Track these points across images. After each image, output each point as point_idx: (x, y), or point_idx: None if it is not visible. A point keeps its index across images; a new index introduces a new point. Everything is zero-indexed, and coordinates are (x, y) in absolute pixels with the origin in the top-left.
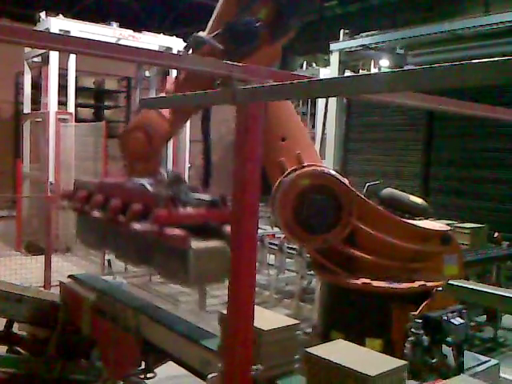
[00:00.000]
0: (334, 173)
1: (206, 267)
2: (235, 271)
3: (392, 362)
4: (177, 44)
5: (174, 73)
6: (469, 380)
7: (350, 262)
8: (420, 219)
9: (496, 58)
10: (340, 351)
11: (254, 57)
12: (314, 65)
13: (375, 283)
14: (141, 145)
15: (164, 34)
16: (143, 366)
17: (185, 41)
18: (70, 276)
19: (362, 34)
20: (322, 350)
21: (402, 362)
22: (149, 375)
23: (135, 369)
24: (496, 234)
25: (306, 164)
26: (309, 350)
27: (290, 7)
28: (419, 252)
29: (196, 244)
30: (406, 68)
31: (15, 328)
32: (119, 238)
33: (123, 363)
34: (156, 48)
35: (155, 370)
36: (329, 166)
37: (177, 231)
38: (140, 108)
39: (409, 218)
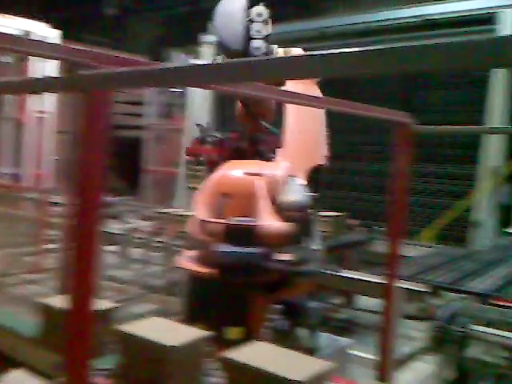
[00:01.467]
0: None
1: None
2: (75, 268)
3: (195, 334)
4: (38, 28)
5: (33, 59)
6: (264, 345)
7: None
8: None
9: (335, 51)
10: (151, 327)
11: None
12: (185, 56)
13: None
14: None
15: (30, 17)
16: None
17: (55, 27)
18: None
19: None
20: (134, 327)
21: (204, 334)
22: None
23: None
24: (354, 222)
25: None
26: (120, 328)
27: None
28: None
29: None
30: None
31: None
32: None
33: None
34: (15, 32)
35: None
36: None
37: None
38: None
39: None
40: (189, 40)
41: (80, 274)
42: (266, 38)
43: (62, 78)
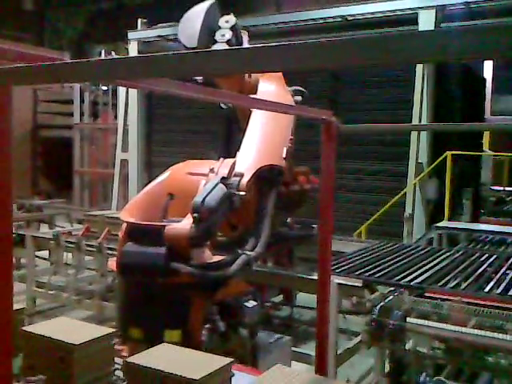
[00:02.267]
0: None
1: None
2: None
3: (99, 331)
4: None
5: None
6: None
7: None
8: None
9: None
10: (57, 327)
11: None
12: (113, 53)
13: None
14: None
15: None
16: None
17: None
18: None
19: (159, 25)
20: (39, 328)
21: (109, 331)
22: None
23: None
24: (289, 219)
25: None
26: (25, 328)
27: None
28: None
29: None
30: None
31: None
32: None
33: None
34: None
35: None
36: (133, 157)
37: None
38: None
39: None
40: (115, 37)
41: None
42: (229, 42)
43: None
